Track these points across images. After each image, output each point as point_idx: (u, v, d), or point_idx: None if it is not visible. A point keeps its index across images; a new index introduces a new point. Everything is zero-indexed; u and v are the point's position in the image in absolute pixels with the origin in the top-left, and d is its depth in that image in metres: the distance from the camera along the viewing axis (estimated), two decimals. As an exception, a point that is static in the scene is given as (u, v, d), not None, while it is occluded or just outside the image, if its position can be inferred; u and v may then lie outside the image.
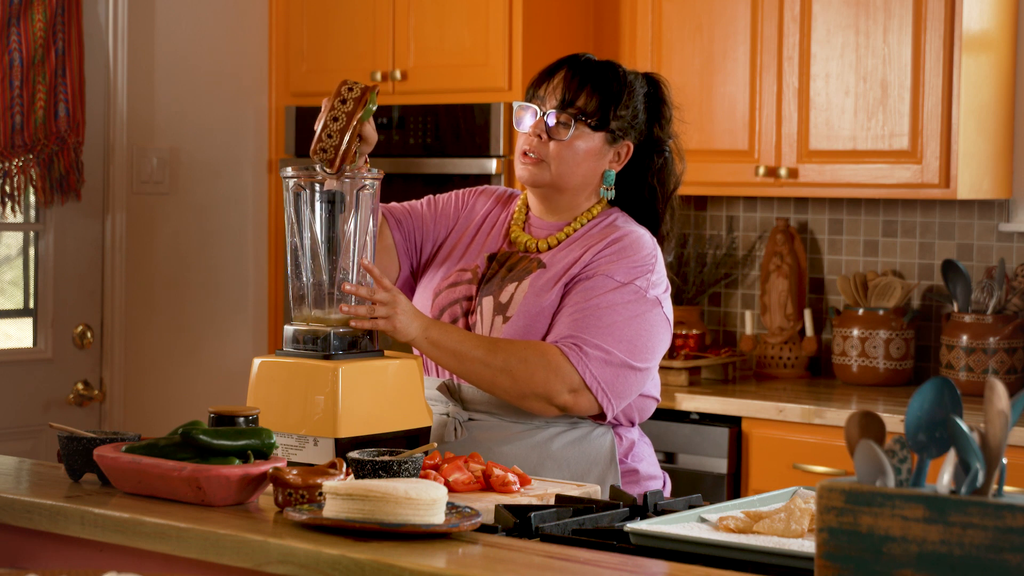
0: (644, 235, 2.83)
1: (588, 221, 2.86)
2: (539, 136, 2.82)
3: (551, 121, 2.81)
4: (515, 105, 2.86)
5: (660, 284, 2.80)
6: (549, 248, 2.86)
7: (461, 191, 3.04)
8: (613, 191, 2.87)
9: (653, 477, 2.86)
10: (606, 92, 2.82)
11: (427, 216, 2.98)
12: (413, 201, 3.02)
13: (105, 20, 4.83)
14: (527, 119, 2.84)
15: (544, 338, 2.76)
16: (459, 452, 2.73)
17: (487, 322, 2.81)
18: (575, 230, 2.86)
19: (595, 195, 2.88)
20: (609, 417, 2.77)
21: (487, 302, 2.83)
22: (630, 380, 2.74)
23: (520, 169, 2.86)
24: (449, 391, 2.83)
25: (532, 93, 2.87)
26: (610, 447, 2.80)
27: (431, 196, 3.04)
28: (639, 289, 2.76)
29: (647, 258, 2.79)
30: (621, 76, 2.84)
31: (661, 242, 2.90)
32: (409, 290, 2.99)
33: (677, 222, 2.95)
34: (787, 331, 4.67)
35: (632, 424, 2.86)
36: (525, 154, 2.83)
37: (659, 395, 2.88)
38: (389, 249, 2.92)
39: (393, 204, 2.99)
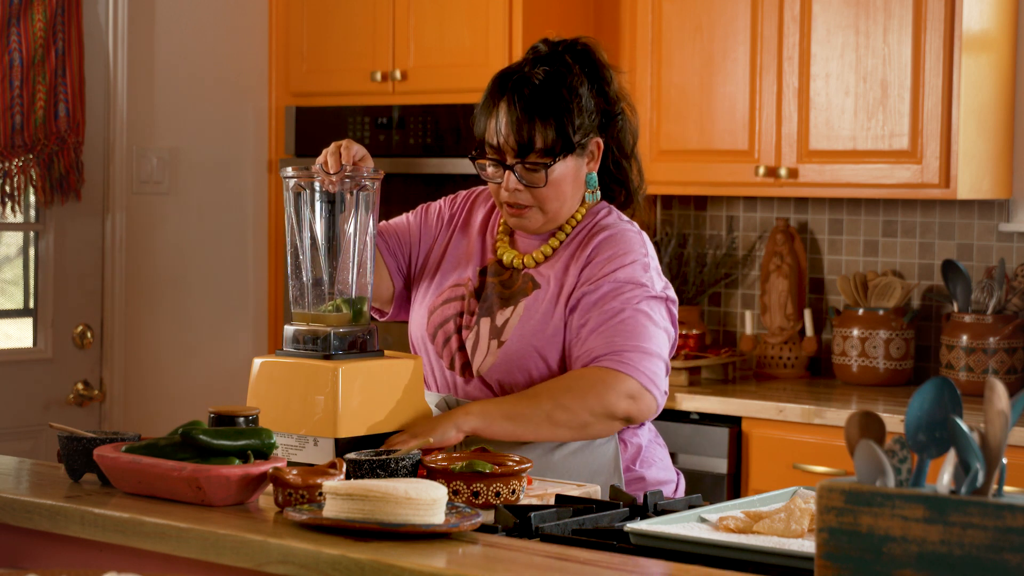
0: (628, 229, 2.76)
1: (573, 228, 2.78)
2: (517, 189, 2.71)
3: (519, 174, 2.69)
4: (473, 161, 2.73)
5: (660, 277, 2.74)
6: (536, 264, 2.77)
7: (455, 196, 2.94)
8: (598, 192, 2.78)
9: (663, 483, 2.76)
10: (558, 114, 2.67)
11: (413, 229, 2.89)
12: (406, 214, 2.93)
13: (105, 20, 4.83)
14: (492, 171, 2.73)
15: (545, 360, 2.70)
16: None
17: (484, 345, 2.74)
18: (561, 241, 2.77)
19: (579, 201, 2.78)
20: (658, 412, 2.69)
21: (484, 324, 2.75)
22: (662, 371, 2.68)
23: (509, 219, 2.76)
24: (448, 407, 2.76)
25: (483, 143, 2.73)
26: (613, 455, 2.71)
27: (425, 204, 2.94)
28: (645, 287, 2.70)
29: (639, 254, 2.72)
30: (566, 87, 2.69)
31: (633, 200, 2.82)
32: (404, 304, 2.91)
33: (645, 177, 2.85)
34: (787, 331, 4.67)
35: (640, 425, 2.78)
36: (510, 205, 2.73)
37: (667, 389, 2.76)
38: (379, 267, 2.83)
39: (383, 223, 2.89)
